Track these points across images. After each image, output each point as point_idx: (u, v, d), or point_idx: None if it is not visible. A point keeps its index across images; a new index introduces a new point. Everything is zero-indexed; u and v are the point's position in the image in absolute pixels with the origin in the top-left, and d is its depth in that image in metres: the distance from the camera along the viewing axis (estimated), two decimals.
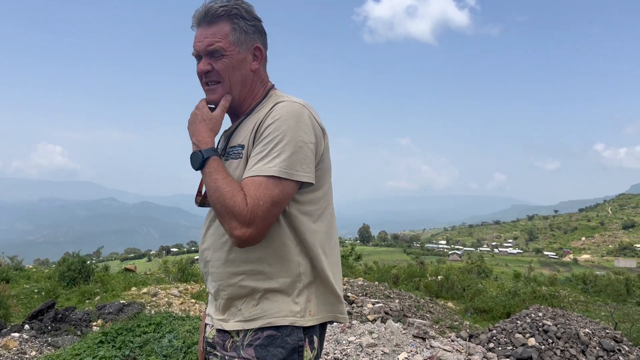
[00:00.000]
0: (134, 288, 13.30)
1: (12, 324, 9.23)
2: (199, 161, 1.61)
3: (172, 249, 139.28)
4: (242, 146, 1.66)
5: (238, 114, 1.81)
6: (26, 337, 8.20)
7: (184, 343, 6.30)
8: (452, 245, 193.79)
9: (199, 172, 1.64)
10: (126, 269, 18.15)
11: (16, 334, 8.19)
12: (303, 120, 1.60)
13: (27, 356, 7.67)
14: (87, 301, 12.73)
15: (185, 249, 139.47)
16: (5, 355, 7.50)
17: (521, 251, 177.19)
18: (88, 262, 16.04)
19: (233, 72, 1.72)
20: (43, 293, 14.36)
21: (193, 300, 11.85)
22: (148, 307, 10.82)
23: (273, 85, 1.85)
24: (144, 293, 12.36)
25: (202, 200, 1.81)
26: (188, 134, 1.74)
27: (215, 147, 1.68)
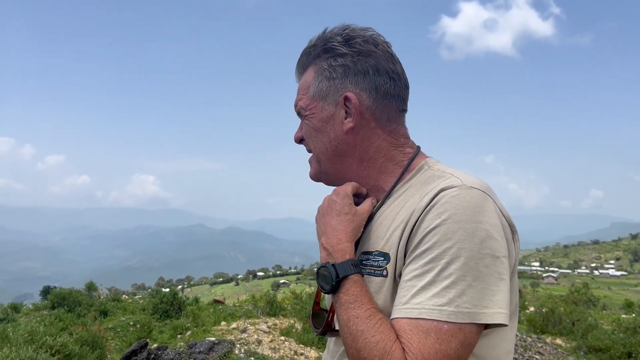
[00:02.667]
0: (223, 322, 13.19)
1: None
2: (330, 281, 1.04)
3: (258, 273, 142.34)
4: (385, 256, 1.06)
5: (362, 198, 1.20)
6: None
7: None
8: (547, 267, 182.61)
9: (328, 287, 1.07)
10: (215, 301, 18.28)
11: None
12: (488, 219, 0.98)
13: None
14: (179, 336, 12.77)
15: (270, 273, 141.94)
16: None
17: (625, 273, 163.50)
18: (180, 295, 16.32)
19: (316, 137, 1.20)
20: (138, 326, 14.68)
21: (282, 338, 11.48)
22: (238, 345, 10.58)
23: (419, 149, 1.21)
24: (233, 329, 12.17)
25: (323, 329, 1.18)
26: (316, 229, 1.18)
27: (355, 258, 1.08)
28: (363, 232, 1.13)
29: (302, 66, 1.24)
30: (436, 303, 0.93)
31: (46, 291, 19.51)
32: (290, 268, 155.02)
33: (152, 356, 9.15)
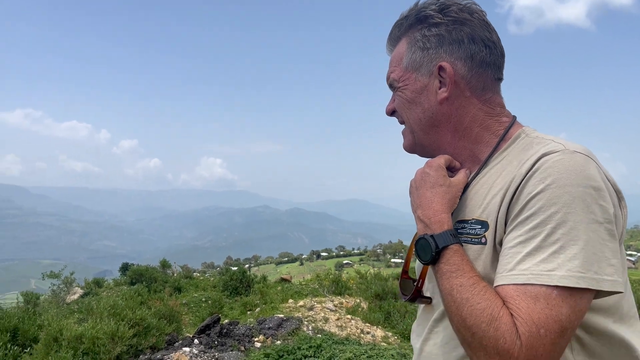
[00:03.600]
0: (290, 300, 13.51)
1: (183, 337, 9.78)
2: (430, 252, 1.02)
3: (321, 253, 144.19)
4: (483, 224, 1.03)
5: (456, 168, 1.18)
6: (196, 351, 8.55)
7: None
8: (626, 251, 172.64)
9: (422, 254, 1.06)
10: (282, 279, 18.72)
11: (187, 349, 8.58)
12: (593, 183, 0.93)
13: None
14: (248, 312, 13.21)
15: (334, 254, 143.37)
16: None
17: None
18: (248, 273, 16.84)
19: (409, 109, 1.18)
20: (210, 302, 15.31)
21: (349, 316, 11.61)
22: (305, 322, 10.81)
23: (515, 119, 1.17)
24: (300, 306, 12.43)
25: (413, 295, 1.16)
26: (410, 200, 1.15)
27: (453, 228, 1.05)
28: (459, 202, 1.12)
29: (394, 39, 1.23)
30: (544, 268, 0.89)
31: (125, 268, 20.71)
32: (353, 249, 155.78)
33: (225, 331, 9.52)
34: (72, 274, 18.88)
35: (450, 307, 0.96)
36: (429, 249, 1.03)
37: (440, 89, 1.14)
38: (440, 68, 1.12)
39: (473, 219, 1.06)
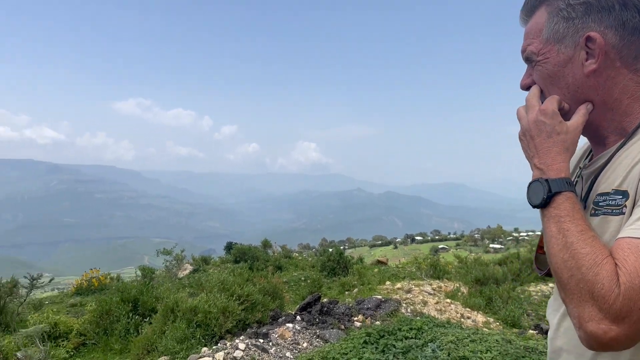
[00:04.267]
0: (388, 282, 13.57)
1: (285, 313, 10.20)
2: (541, 195, 1.01)
3: (416, 237, 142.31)
4: (624, 193, 1.00)
5: (600, 140, 1.15)
6: (298, 328, 8.91)
7: (449, 355, 5.91)
8: None
9: (538, 210, 1.05)
10: (378, 261, 18.82)
11: (290, 325, 8.96)
12: None
13: (299, 347, 8.30)
14: (346, 292, 13.46)
15: (429, 238, 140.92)
16: (282, 345, 8.23)
17: None
18: (345, 254, 17.12)
19: (551, 83, 1.12)
20: (309, 281, 15.78)
21: (448, 301, 11.46)
22: (404, 305, 10.83)
23: None
24: (397, 289, 12.47)
25: (549, 270, 1.11)
26: (522, 148, 1.13)
27: (571, 178, 1.05)
28: (599, 173, 1.10)
29: (531, 8, 1.17)
30: None
31: (229, 247, 21.86)
32: (449, 233, 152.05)
33: (325, 309, 9.80)
34: (182, 251, 20.27)
35: (552, 249, 0.97)
36: (541, 192, 1.02)
37: (587, 60, 1.08)
38: (588, 38, 1.07)
39: (613, 189, 1.03)
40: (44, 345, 9.59)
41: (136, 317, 10.79)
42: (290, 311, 10.63)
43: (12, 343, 9.74)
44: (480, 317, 10.65)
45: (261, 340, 8.14)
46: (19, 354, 8.77)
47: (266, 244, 21.35)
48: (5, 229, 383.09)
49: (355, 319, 9.69)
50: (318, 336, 8.67)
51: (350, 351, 6.62)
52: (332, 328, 9.04)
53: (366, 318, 9.72)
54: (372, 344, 6.87)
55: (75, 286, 18.68)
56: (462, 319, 10.21)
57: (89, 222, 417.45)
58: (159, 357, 8.69)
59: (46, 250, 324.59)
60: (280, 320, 9.41)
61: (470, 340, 6.17)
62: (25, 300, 14.43)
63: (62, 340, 10.88)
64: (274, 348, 8.01)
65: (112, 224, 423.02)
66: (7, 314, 12.70)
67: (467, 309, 11.14)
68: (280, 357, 7.76)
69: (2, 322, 12.29)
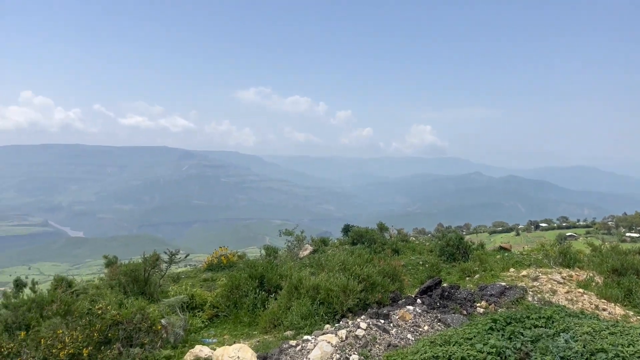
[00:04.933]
0: (512, 269, 12.98)
1: (405, 295, 10.20)
2: None
3: (540, 224, 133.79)
4: None
5: None
6: (419, 310, 8.88)
7: (584, 347, 5.55)
8: None
9: None
10: (501, 247, 18.02)
11: (410, 307, 8.96)
12: None
13: (420, 329, 8.28)
14: (467, 278, 13.11)
15: (555, 225, 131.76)
16: (402, 326, 8.27)
17: None
18: (465, 239, 16.63)
19: None
20: (427, 265, 15.60)
21: (580, 290, 10.69)
22: (530, 293, 10.31)
23: None
24: (523, 276, 11.87)
25: None
26: None
27: None
28: None
29: None
30: None
31: (346, 229, 22.24)
32: (578, 220, 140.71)
33: (446, 293, 9.65)
34: (302, 232, 21.02)
35: None
36: None
37: None
38: None
39: None
40: (183, 315, 10.57)
41: (262, 293, 11.47)
42: (409, 294, 10.61)
43: (156, 311, 10.86)
44: (618, 310, 9.82)
45: (382, 321, 8.25)
46: (163, 321, 9.75)
47: (382, 227, 21.41)
48: (145, 209, 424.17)
49: (478, 305, 9.43)
50: (439, 320, 8.58)
51: (474, 336, 6.48)
52: (453, 313, 8.89)
53: (490, 305, 9.41)
54: (498, 330, 6.66)
55: (206, 262, 20.27)
56: (597, 311, 9.49)
57: (216, 204, 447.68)
58: (284, 332, 9.17)
59: (179, 229, 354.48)
60: (400, 302, 9.44)
61: (609, 333, 5.74)
62: (165, 273, 15.96)
63: (198, 311, 11.90)
64: (394, 329, 8.08)
65: (237, 206, 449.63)
66: (150, 285, 14.15)
67: (603, 300, 10.33)
68: (401, 339, 7.81)
69: (146, 292, 13.73)
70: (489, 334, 6.60)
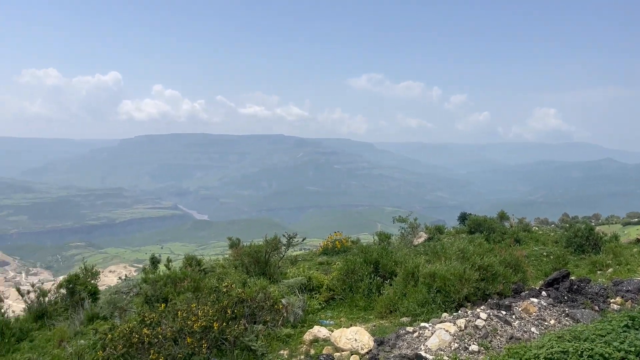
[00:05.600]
0: None
1: (529, 287, 9.70)
2: None
3: None
4: None
5: None
6: (544, 304, 8.41)
7: None
8: None
9: None
10: (638, 240, 16.39)
11: (534, 300, 8.51)
12: None
13: (545, 323, 7.84)
14: (598, 272, 12.16)
15: None
16: (526, 319, 7.88)
17: None
18: (596, 230, 15.38)
19: None
20: (552, 257, 14.67)
21: None
22: None
23: None
24: None
25: None
26: None
27: None
28: None
29: None
30: None
31: (463, 217, 21.58)
32: None
33: (575, 287, 9.03)
34: (416, 219, 20.77)
35: None
36: None
37: None
38: None
39: None
40: (302, 296, 10.99)
41: (377, 278, 11.55)
42: (533, 286, 10.07)
43: (276, 291, 11.40)
44: None
45: (503, 312, 7.94)
46: (283, 301, 10.23)
47: (503, 216, 20.46)
48: (263, 195, 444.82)
49: (612, 300, 8.70)
50: (567, 315, 8.06)
51: (607, 334, 6.02)
52: (583, 308, 8.29)
53: (626, 301, 8.64)
54: (636, 329, 6.12)
55: (321, 247, 20.81)
56: None
57: (329, 190, 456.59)
58: (400, 317, 9.18)
59: (294, 214, 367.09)
60: (523, 294, 9.01)
61: None
62: (283, 256, 16.68)
63: (315, 293, 12.29)
64: (517, 321, 7.73)
65: (349, 193, 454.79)
66: (270, 266, 14.89)
67: None
68: (525, 332, 7.46)
69: (267, 273, 14.46)
70: (625, 332, 6.09)
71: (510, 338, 7.24)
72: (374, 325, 9.10)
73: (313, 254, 20.54)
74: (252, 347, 8.02)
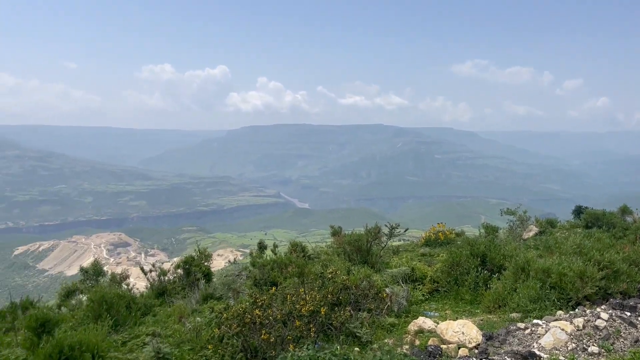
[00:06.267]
0: None
1: None
2: None
3: None
4: None
5: None
6: None
7: None
8: None
9: None
10: None
11: None
12: None
13: None
14: None
15: None
16: None
17: None
18: None
19: None
20: None
21: None
22: None
23: None
24: None
25: None
26: None
27: None
28: None
29: None
30: None
31: (578, 210, 20.17)
32: None
33: None
34: (525, 212, 19.76)
35: None
36: None
37: None
38: None
39: None
40: (405, 286, 10.95)
41: (484, 272, 11.17)
42: None
43: (379, 280, 11.45)
44: None
45: (628, 313, 7.35)
46: (387, 290, 10.26)
47: (625, 210, 18.82)
48: (361, 184, 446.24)
49: None
50: None
51: None
52: None
53: None
54: None
55: (424, 238, 20.51)
56: None
57: (429, 180, 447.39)
58: (510, 313, 8.83)
59: (393, 204, 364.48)
60: None
61: None
62: (385, 245, 16.68)
63: (418, 284, 12.17)
64: None
65: (450, 183, 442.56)
66: (372, 255, 14.97)
67: None
68: None
69: (368, 262, 14.56)
70: None
71: (636, 341, 6.69)
72: (481, 320, 8.84)
73: (415, 245, 20.31)
74: (357, 334, 8.14)
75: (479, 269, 11.26)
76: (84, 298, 15.55)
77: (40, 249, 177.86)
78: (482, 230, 19.19)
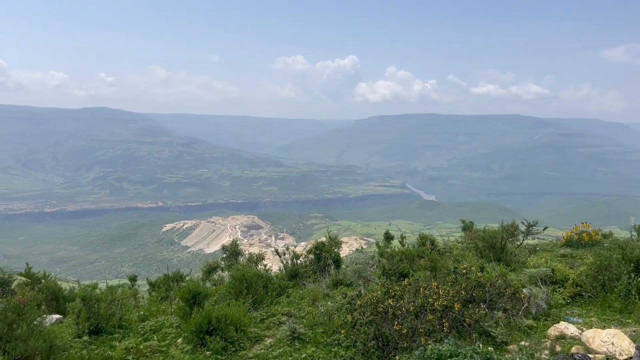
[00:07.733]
0: None
1: None
2: None
3: None
4: None
5: None
6: None
7: None
8: None
9: None
10: None
11: None
12: None
13: None
14: None
15: None
16: None
17: None
18: None
19: None
20: None
21: None
22: None
23: None
24: None
25: None
26: None
27: None
28: None
29: None
30: None
31: None
32: None
33: None
34: None
35: None
36: None
37: None
38: None
39: None
40: (545, 287, 10.34)
41: (638, 279, 10.15)
42: None
43: (516, 280, 10.93)
44: None
45: None
46: (525, 290, 9.78)
47: None
48: (494, 178, 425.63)
49: None
50: None
51: None
52: None
53: None
54: None
55: (564, 237, 19.08)
56: None
57: (570, 176, 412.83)
58: None
59: (528, 200, 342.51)
60: None
61: None
62: (521, 243, 15.83)
63: (558, 287, 11.40)
64: None
65: (595, 180, 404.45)
66: (507, 253, 14.30)
67: None
68: None
69: (502, 259, 13.94)
70: None
71: None
72: (634, 331, 8.07)
73: (554, 245, 19.00)
74: (492, 334, 7.90)
75: (632, 276, 10.26)
76: (225, 274, 16.93)
77: (184, 227, 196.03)
78: (635, 233, 17.38)
